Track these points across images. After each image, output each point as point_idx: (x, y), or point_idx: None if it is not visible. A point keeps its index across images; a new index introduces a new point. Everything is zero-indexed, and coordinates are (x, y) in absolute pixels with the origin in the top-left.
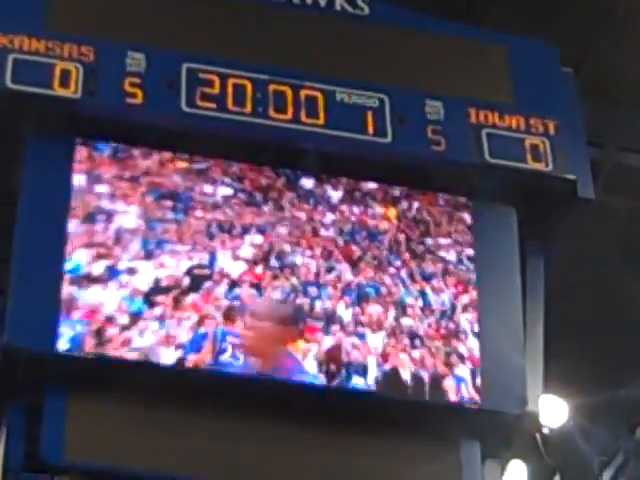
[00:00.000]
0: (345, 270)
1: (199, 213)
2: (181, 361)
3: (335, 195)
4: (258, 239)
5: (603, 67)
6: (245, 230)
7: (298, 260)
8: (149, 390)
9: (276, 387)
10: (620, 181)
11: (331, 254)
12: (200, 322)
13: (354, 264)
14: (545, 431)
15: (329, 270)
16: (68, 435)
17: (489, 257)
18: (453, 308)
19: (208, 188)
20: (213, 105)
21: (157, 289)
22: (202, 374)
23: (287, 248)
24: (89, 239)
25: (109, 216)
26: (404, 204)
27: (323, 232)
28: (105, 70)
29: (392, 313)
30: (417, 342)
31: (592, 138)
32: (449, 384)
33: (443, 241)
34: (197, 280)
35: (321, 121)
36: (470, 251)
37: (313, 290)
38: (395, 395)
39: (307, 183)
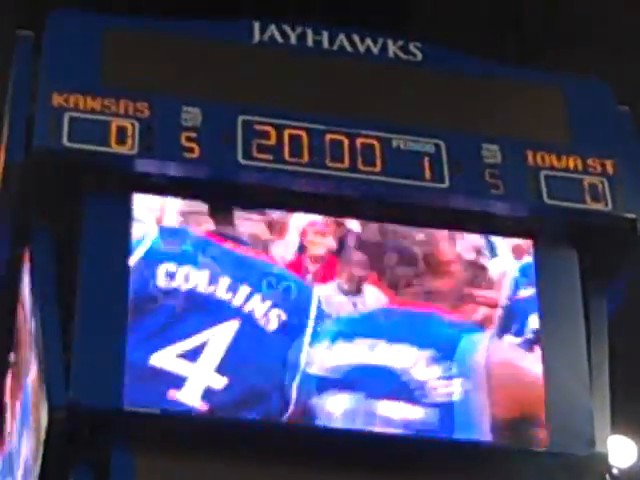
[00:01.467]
0: None
1: None
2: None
3: None
4: None
5: None
6: None
7: None
8: (219, 444)
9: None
10: None
11: None
12: None
13: None
14: (614, 472)
15: None
16: None
17: (552, 299)
18: None
19: None
20: (270, 157)
21: None
22: (268, 426)
23: None
24: None
25: None
26: None
27: None
28: (161, 125)
29: None
30: None
31: None
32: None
33: None
34: None
35: (378, 169)
36: None
37: None
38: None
39: None
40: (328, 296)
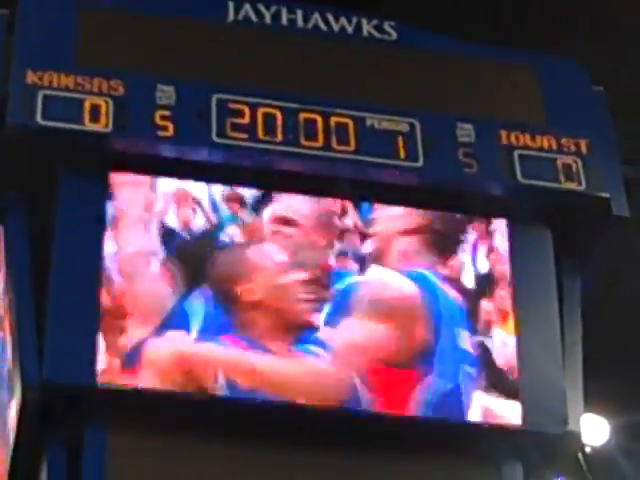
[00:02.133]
0: None
1: None
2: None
3: None
4: None
5: (634, 84)
6: None
7: None
8: (192, 423)
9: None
10: None
11: None
12: None
13: None
14: (587, 450)
15: None
16: (109, 469)
17: (526, 278)
18: None
19: None
20: (244, 135)
21: None
22: (243, 404)
23: None
24: None
25: None
26: None
27: None
28: (135, 103)
29: None
30: None
31: (625, 156)
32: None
33: None
34: None
35: (352, 147)
36: None
37: None
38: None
39: None
40: None
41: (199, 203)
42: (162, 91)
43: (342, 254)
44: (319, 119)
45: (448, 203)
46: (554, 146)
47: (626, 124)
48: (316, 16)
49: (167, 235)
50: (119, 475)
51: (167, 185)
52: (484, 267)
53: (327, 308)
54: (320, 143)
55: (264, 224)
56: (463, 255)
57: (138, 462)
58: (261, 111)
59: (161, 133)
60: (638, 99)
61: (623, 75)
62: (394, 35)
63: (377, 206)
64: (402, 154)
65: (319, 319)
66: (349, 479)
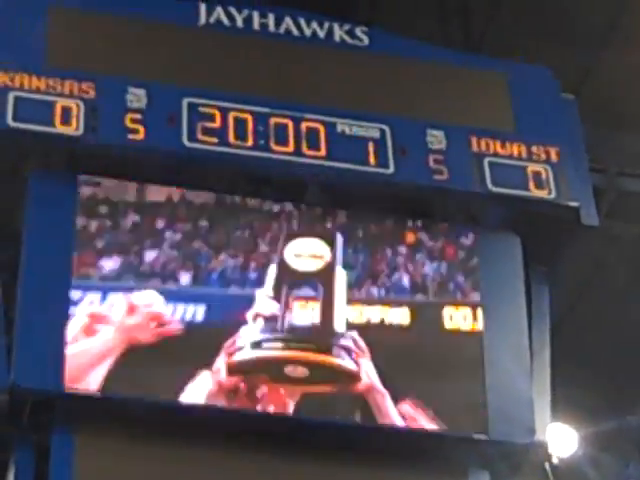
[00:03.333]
0: None
1: None
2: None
3: None
4: None
5: (603, 92)
6: None
7: None
8: (156, 426)
9: (275, 421)
10: (623, 207)
11: None
12: None
13: None
14: (554, 460)
15: None
16: (76, 472)
17: (494, 284)
18: None
19: None
20: (214, 139)
21: None
22: (204, 410)
23: None
24: None
25: None
26: None
27: None
28: (106, 106)
29: None
30: None
31: (594, 164)
32: None
33: None
34: None
35: (322, 153)
36: None
37: None
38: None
39: None
40: None
41: None
42: (133, 94)
43: None
44: (290, 124)
45: (418, 210)
46: (524, 154)
47: (596, 132)
48: (288, 20)
49: None
50: (87, 477)
51: None
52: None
53: None
54: (291, 148)
55: None
56: None
57: (106, 465)
58: (232, 115)
59: (132, 136)
60: (608, 106)
61: (593, 82)
62: (366, 40)
63: None
64: (373, 160)
65: None
66: None
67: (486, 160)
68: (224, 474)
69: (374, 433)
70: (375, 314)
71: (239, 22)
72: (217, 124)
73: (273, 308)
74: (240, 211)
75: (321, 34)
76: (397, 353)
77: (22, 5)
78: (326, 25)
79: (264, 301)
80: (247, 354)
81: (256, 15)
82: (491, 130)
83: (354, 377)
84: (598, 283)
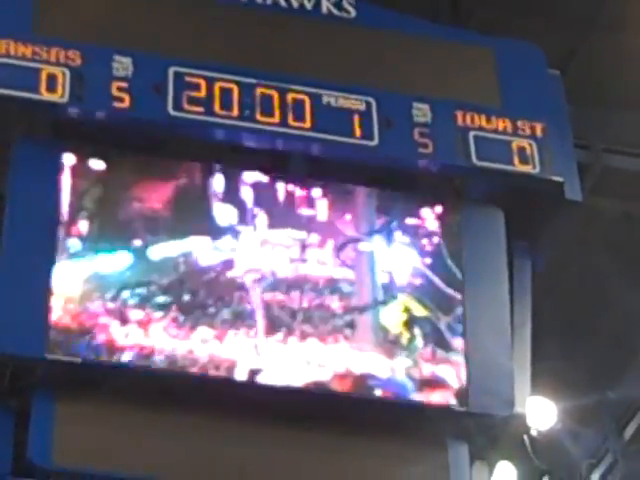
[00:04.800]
0: None
1: None
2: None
3: None
4: None
5: (589, 68)
6: None
7: None
8: (137, 394)
9: (261, 390)
10: (607, 183)
11: None
12: None
13: None
14: (533, 433)
15: None
16: (56, 439)
17: (476, 258)
18: None
19: None
20: (200, 109)
21: None
22: (190, 377)
23: None
24: None
25: None
26: None
27: None
28: (92, 74)
29: None
30: None
31: (579, 140)
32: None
33: None
34: None
35: (308, 124)
36: None
37: None
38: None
39: None
40: None
41: None
42: (119, 62)
43: None
44: (276, 95)
45: (402, 182)
46: (509, 129)
47: (581, 108)
48: None
49: None
50: (66, 444)
51: None
52: None
53: None
54: (276, 119)
55: None
56: None
57: (86, 432)
58: (218, 85)
59: (117, 105)
60: (594, 84)
61: (579, 60)
62: (353, 13)
63: None
64: (358, 132)
65: None
66: (298, 456)
67: (471, 134)
68: (206, 441)
69: (352, 403)
70: None
71: None
72: (203, 94)
73: None
74: None
75: (308, 6)
76: None
77: None
78: None
79: None
80: None
81: None
82: (477, 104)
83: None
84: (580, 258)
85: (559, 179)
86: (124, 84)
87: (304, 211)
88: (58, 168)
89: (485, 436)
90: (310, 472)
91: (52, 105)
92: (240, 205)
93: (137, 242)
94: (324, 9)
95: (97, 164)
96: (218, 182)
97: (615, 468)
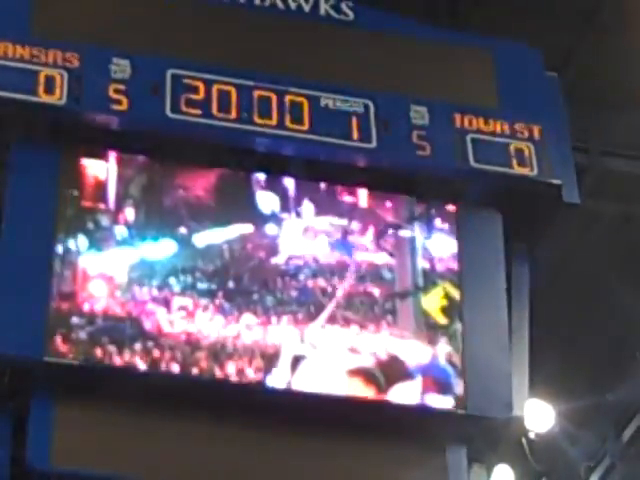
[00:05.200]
0: None
1: None
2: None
3: None
4: None
5: (587, 71)
6: None
7: None
8: (136, 396)
9: (262, 393)
10: (605, 186)
11: None
12: None
13: None
14: (531, 436)
15: None
16: (54, 441)
17: (474, 261)
18: None
19: None
20: (198, 111)
21: None
22: (188, 380)
23: None
24: None
25: None
26: None
27: None
28: (90, 76)
29: None
30: None
31: (577, 143)
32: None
33: None
34: None
35: (306, 127)
36: None
37: None
38: (380, 399)
39: None
40: None
41: None
42: (117, 65)
43: None
44: (274, 97)
45: (399, 185)
46: (507, 131)
47: (579, 111)
48: None
49: None
50: (65, 446)
51: None
52: None
53: None
54: (274, 121)
55: None
56: None
57: (84, 435)
58: (216, 87)
59: (115, 107)
60: (591, 86)
61: (577, 62)
62: (351, 15)
63: None
64: (356, 135)
65: None
66: (298, 459)
67: (469, 137)
68: (207, 445)
69: (352, 407)
70: None
71: None
72: (201, 96)
73: None
74: None
75: (306, 8)
76: None
77: None
78: None
79: None
80: None
81: None
82: (474, 107)
83: None
84: (578, 261)
85: (557, 182)
86: (122, 86)
87: (346, 198)
88: (56, 170)
89: (483, 439)
90: (308, 475)
91: (50, 107)
92: (282, 193)
93: (182, 229)
94: (322, 11)
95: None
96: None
97: (613, 471)
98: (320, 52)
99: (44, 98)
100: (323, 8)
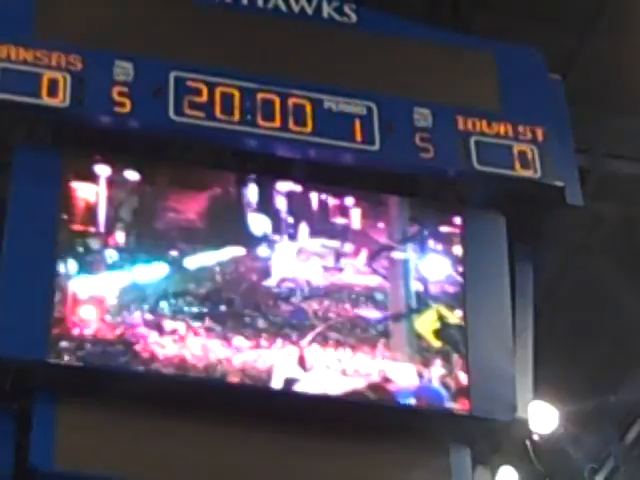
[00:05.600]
0: None
1: None
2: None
3: None
4: None
5: (590, 73)
6: None
7: None
8: (138, 398)
9: (264, 395)
10: (608, 188)
11: None
12: None
13: None
14: (535, 438)
15: None
16: (57, 442)
17: (478, 263)
18: None
19: None
20: (201, 114)
21: None
22: (189, 382)
23: None
24: None
25: None
26: None
27: None
28: (93, 79)
29: None
30: None
31: (580, 145)
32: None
33: None
34: None
35: (309, 129)
36: None
37: None
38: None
39: None
40: None
41: None
42: (120, 67)
43: None
44: (277, 100)
45: (403, 187)
46: (510, 133)
47: (582, 113)
48: None
49: None
50: (68, 447)
51: None
52: None
53: None
54: (277, 124)
55: None
56: None
57: (88, 437)
58: (219, 90)
59: (118, 109)
60: (595, 88)
61: (580, 65)
62: (354, 18)
63: None
64: (359, 137)
65: None
66: (301, 461)
67: (472, 139)
68: (211, 447)
69: (355, 407)
70: None
71: None
72: (204, 98)
73: None
74: None
75: (309, 10)
76: None
77: None
78: (314, 2)
79: None
80: None
81: None
82: (478, 109)
83: None
84: (582, 263)
85: (560, 184)
86: (125, 89)
87: (338, 220)
88: (59, 173)
89: (487, 441)
90: (312, 476)
91: (53, 110)
92: (274, 215)
93: (174, 252)
94: (325, 14)
95: (132, 175)
96: (252, 192)
97: (617, 473)
98: (323, 54)
99: (47, 101)
100: (326, 10)
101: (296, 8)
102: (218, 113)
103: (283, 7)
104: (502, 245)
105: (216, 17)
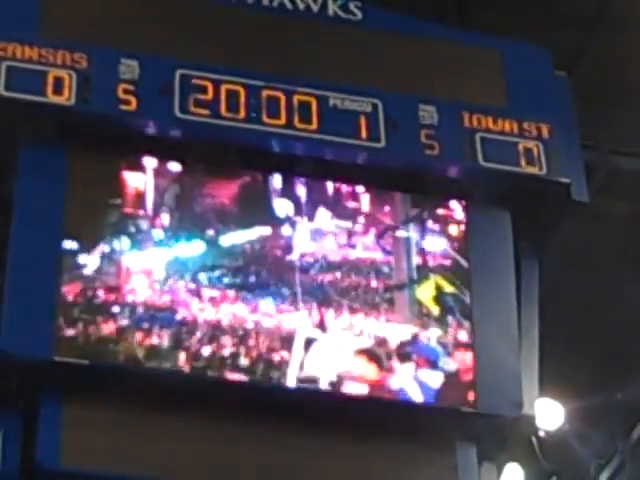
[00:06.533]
0: None
1: None
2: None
3: None
4: None
5: (596, 70)
6: None
7: None
8: (145, 396)
9: (271, 392)
10: (614, 184)
11: None
12: None
13: None
14: (541, 434)
15: None
16: (64, 441)
17: (484, 260)
18: None
19: None
20: (206, 111)
21: None
22: (197, 379)
23: None
24: None
25: None
26: None
27: None
28: (98, 77)
29: None
30: None
31: (586, 141)
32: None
33: None
34: None
35: (314, 126)
36: None
37: None
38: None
39: None
40: None
41: None
42: (126, 65)
43: None
44: (282, 97)
45: (408, 184)
46: (516, 130)
47: (588, 109)
48: None
49: None
50: (74, 446)
51: None
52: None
53: None
54: (283, 121)
55: None
56: None
57: (95, 435)
58: (224, 88)
59: (124, 107)
60: (600, 85)
61: (586, 61)
62: (359, 15)
63: None
64: (364, 134)
65: None
66: (311, 459)
67: (478, 136)
68: (217, 444)
69: (362, 405)
70: None
71: None
72: (209, 96)
73: None
74: None
75: (315, 8)
76: None
77: None
78: None
79: None
80: None
81: None
82: (483, 106)
83: None
84: (588, 260)
85: (566, 180)
86: (131, 87)
87: (350, 204)
88: (64, 171)
89: (493, 437)
90: (322, 474)
91: (59, 108)
92: (296, 199)
93: (210, 232)
94: (330, 11)
95: (174, 166)
96: (277, 180)
97: (623, 469)
98: (328, 52)
99: (52, 99)
100: (331, 8)
101: (301, 6)
102: (224, 111)
103: (289, 5)
104: (508, 242)
105: (222, 15)
